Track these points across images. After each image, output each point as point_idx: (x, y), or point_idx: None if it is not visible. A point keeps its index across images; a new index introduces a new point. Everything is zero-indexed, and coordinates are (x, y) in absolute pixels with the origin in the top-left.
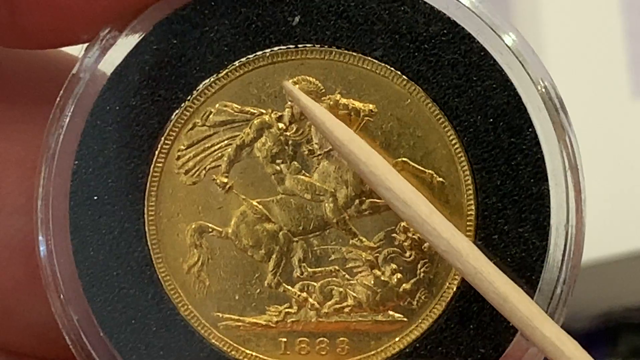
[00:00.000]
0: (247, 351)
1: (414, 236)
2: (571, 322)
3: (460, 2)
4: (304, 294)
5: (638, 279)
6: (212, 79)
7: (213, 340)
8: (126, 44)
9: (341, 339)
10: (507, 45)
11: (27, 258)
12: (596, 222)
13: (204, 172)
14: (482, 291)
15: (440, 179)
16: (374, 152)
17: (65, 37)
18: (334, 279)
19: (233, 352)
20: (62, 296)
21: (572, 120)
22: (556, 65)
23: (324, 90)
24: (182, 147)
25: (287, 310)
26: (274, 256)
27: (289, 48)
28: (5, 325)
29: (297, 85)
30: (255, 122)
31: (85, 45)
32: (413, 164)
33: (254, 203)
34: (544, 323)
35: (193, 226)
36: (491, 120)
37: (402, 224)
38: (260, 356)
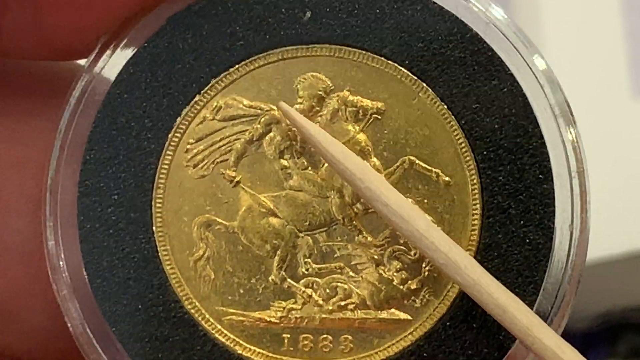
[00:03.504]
0: (251, 346)
1: None
2: (571, 322)
3: (468, 2)
4: (309, 290)
5: (638, 279)
6: (223, 74)
7: (217, 335)
8: (139, 37)
9: (345, 336)
10: (514, 46)
11: (28, 260)
12: (596, 222)
13: (212, 166)
14: (482, 303)
15: (446, 178)
16: (369, 168)
17: (87, 36)
18: (339, 275)
19: (236, 347)
20: (67, 286)
21: (574, 117)
22: (556, 65)
23: (333, 88)
24: (192, 141)
25: (291, 306)
26: (279, 252)
27: (300, 46)
28: (4, 328)
29: (306, 82)
30: (264, 117)
31: None
32: (419, 162)
33: (261, 198)
34: (544, 332)
35: (200, 220)
36: (497, 120)
37: None
38: (264, 352)
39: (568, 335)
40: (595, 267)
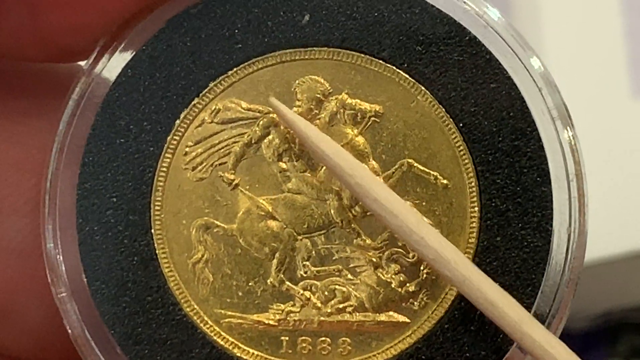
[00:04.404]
0: (249, 349)
1: None
2: (571, 322)
3: (466, 5)
4: (307, 293)
5: (638, 279)
6: (221, 77)
7: (215, 337)
8: (138, 39)
9: (343, 338)
10: (512, 49)
11: (25, 260)
12: (596, 222)
13: (210, 168)
14: (471, 298)
15: (445, 181)
16: (359, 164)
17: (85, 37)
18: (337, 278)
19: (235, 350)
20: (65, 288)
21: (572, 120)
22: (556, 65)
23: (331, 91)
24: (190, 144)
25: (289, 309)
26: (277, 254)
27: (298, 49)
28: (2, 327)
29: (305, 85)
30: (262, 120)
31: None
32: (418, 165)
33: (260, 200)
34: (533, 327)
35: (198, 222)
36: (495, 122)
37: None
38: (262, 354)
39: (568, 336)
40: (595, 267)
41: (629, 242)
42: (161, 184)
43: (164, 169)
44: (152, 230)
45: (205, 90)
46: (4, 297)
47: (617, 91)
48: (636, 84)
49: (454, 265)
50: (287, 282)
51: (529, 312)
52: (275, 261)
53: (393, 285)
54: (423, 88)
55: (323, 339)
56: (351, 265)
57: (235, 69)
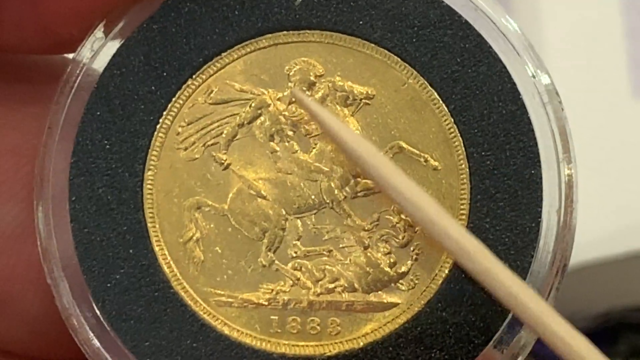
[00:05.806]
0: (238, 328)
1: (407, 218)
2: (571, 322)
3: None
4: (297, 273)
5: (638, 279)
6: (215, 59)
7: (204, 316)
8: (134, 21)
9: (332, 318)
10: (503, 33)
11: (22, 246)
12: (596, 222)
13: (203, 148)
14: (493, 289)
15: (435, 163)
16: (381, 156)
17: (85, 22)
18: (327, 258)
19: (224, 328)
20: (57, 266)
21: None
22: (556, 65)
23: (323, 73)
24: (183, 124)
25: (279, 288)
26: (268, 234)
27: (291, 32)
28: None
29: (297, 67)
30: (254, 101)
31: None
32: (408, 147)
33: (251, 181)
34: (554, 320)
35: (190, 202)
36: (486, 105)
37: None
38: (251, 333)
39: None
40: (595, 267)
41: (629, 242)
42: (154, 163)
43: (157, 149)
44: (144, 209)
45: (199, 71)
46: (0, 285)
47: (617, 91)
48: (636, 84)
49: (474, 256)
50: (277, 262)
51: None
52: (265, 241)
53: (383, 266)
54: (414, 71)
55: (312, 318)
56: (341, 245)
57: (228, 51)
